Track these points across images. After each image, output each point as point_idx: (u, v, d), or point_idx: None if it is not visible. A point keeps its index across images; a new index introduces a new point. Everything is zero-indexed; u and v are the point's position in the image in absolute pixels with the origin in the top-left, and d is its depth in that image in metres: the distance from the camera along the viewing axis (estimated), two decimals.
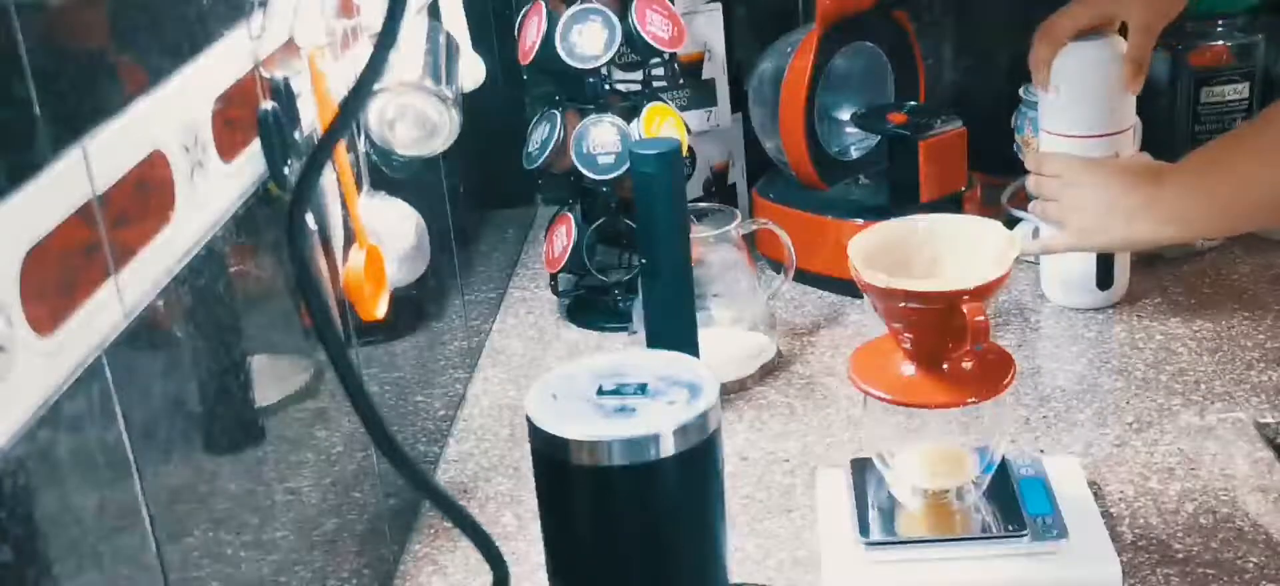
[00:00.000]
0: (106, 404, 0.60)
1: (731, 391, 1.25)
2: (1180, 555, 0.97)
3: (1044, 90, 1.30)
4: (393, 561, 1.03)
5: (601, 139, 1.36)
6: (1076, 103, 1.28)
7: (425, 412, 1.17)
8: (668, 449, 0.73)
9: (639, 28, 1.34)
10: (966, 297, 0.88)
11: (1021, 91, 1.53)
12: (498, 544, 0.82)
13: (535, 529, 0.80)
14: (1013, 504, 0.97)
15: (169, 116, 0.68)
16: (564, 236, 1.42)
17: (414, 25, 1.02)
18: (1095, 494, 1.02)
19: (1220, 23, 1.50)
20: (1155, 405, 1.17)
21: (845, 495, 1.02)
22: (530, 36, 1.37)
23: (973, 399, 0.92)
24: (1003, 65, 1.63)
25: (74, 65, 0.60)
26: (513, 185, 1.63)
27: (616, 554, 0.77)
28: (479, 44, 1.24)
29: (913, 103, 1.48)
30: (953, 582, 0.94)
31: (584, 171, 1.36)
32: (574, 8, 1.34)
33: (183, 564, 0.68)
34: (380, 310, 0.93)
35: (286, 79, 0.83)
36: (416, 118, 0.99)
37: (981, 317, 0.87)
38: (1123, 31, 1.28)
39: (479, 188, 1.44)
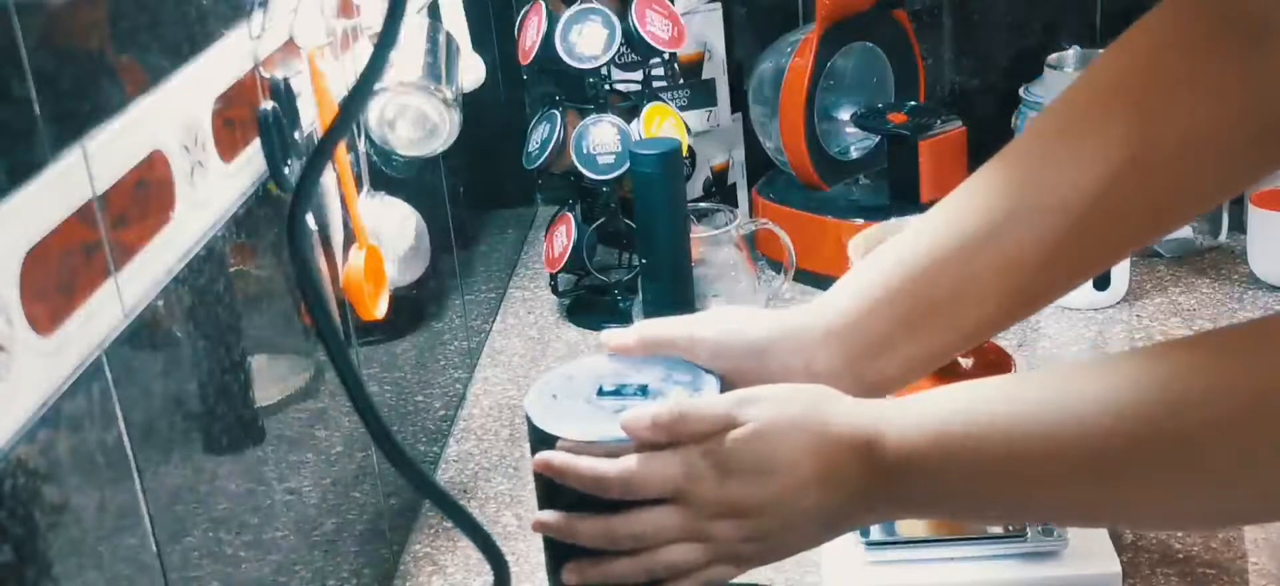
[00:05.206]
0: (106, 404, 0.60)
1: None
2: (1180, 555, 0.97)
3: None
4: (393, 561, 1.03)
5: (601, 139, 1.36)
6: None
7: (425, 412, 1.17)
8: None
9: (639, 28, 1.34)
10: None
11: (1021, 91, 1.53)
12: (497, 543, 0.82)
13: None
14: None
15: (169, 116, 0.68)
16: (564, 236, 1.42)
17: (414, 25, 1.02)
18: None
19: None
20: None
21: None
22: (530, 36, 1.37)
23: None
24: (1003, 65, 1.63)
25: (74, 65, 0.60)
26: (513, 185, 1.63)
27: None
28: (479, 44, 1.24)
29: (913, 103, 1.48)
30: (953, 583, 0.94)
31: (584, 171, 1.36)
32: (574, 8, 1.34)
33: (183, 564, 0.68)
34: (380, 310, 0.93)
35: (286, 79, 0.83)
36: (416, 118, 0.99)
37: None
38: None
39: (479, 188, 1.44)
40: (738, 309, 0.82)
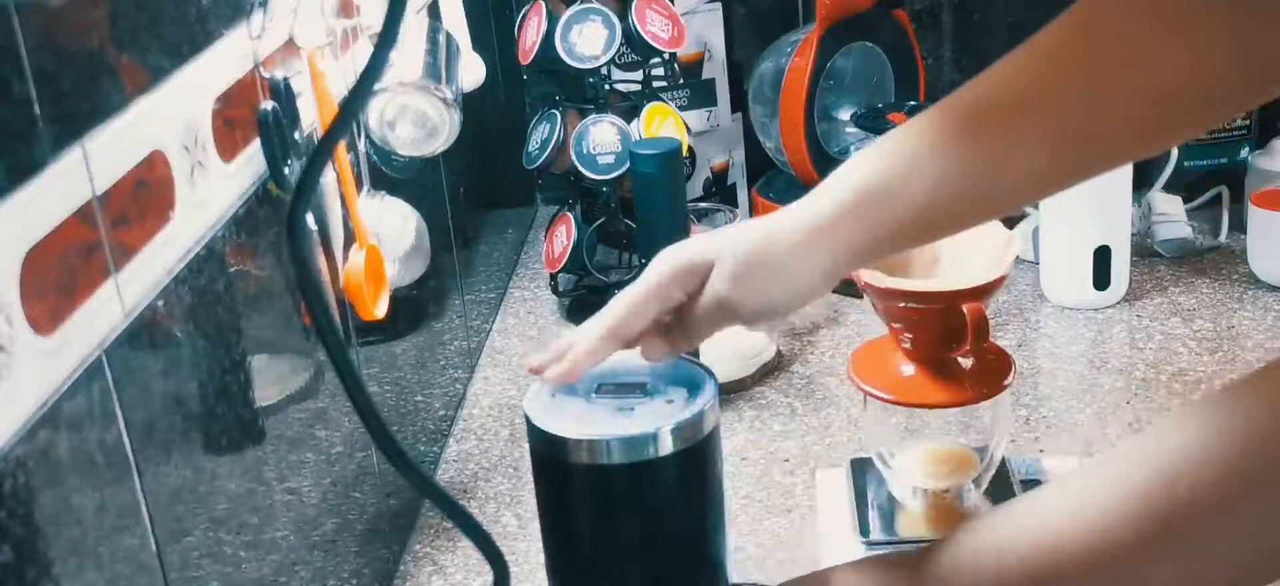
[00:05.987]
0: (106, 404, 0.60)
1: (731, 391, 1.25)
2: None
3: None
4: (393, 561, 1.03)
5: (601, 139, 1.36)
6: None
7: (425, 412, 1.17)
8: (666, 448, 0.73)
9: (639, 28, 1.34)
10: (966, 298, 0.88)
11: None
12: (497, 543, 0.82)
13: (535, 529, 0.81)
14: None
15: (169, 116, 0.68)
16: (564, 236, 1.42)
17: (414, 25, 1.02)
18: None
19: None
20: (1155, 405, 1.17)
21: (845, 495, 1.02)
22: (530, 36, 1.37)
23: (973, 399, 0.92)
24: None
25: (74, 65, 0.60)
26: (513, 185, 1.64)
27: (616, 553, 0.77)
28: (479, 44, 1.24)
29: (913, 103, 1.48)
30: None
31: (584, 171, 1.36)
32: (574, 8, 1.34)
33: (183, 564, 0.68)
34: (380, 310, 0.93)
35: (286, 79, 0.83)
36: (416, 118, 0.99)
37: (981, 317, 0.87)
38: None
39: (479, 188, 1.44)
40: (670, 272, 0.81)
